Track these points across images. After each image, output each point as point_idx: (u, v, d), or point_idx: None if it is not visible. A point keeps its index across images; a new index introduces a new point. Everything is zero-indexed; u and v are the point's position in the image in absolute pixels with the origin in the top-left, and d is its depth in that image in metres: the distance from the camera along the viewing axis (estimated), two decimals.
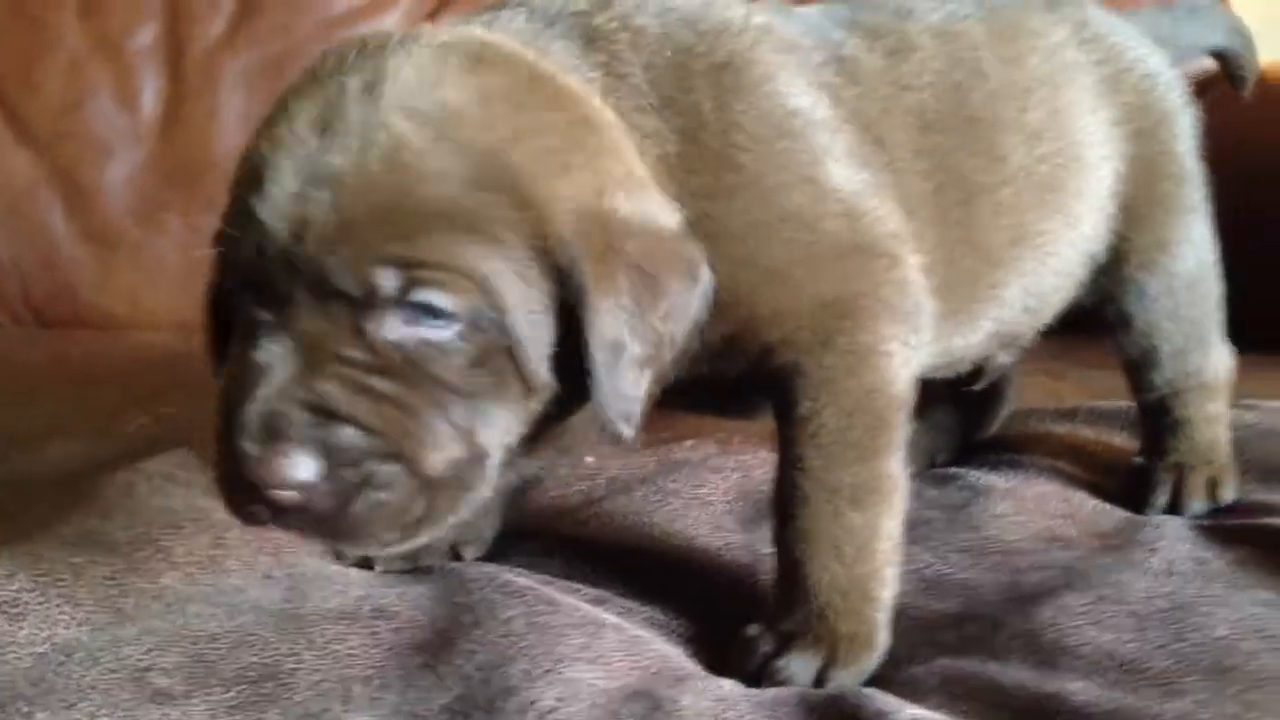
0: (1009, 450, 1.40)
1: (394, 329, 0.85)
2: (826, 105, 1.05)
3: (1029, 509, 1.23)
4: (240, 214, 0.86)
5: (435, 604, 1.02)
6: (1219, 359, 1.34)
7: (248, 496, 0.85)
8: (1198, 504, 1.26)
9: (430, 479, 0.87)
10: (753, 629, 1.00)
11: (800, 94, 1.04)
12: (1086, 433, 1.45)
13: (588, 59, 0.99)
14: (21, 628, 0.95)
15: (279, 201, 0.84)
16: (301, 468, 0.83)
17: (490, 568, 1.10)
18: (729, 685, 0.93)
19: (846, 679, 0.97)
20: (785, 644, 0.98)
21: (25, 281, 2.39)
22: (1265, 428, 1.38)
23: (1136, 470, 1.32)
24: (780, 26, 1.08)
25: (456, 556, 1.14)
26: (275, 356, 0.85)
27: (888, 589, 1.01)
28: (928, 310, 1.06)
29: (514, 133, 0.88)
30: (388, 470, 0.85)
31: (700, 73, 1.00)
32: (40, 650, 0.93)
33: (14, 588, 1.00)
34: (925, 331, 1.06)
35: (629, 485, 1.29)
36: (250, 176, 0.87)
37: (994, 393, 1.42)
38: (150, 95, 2.45)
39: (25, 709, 0.86)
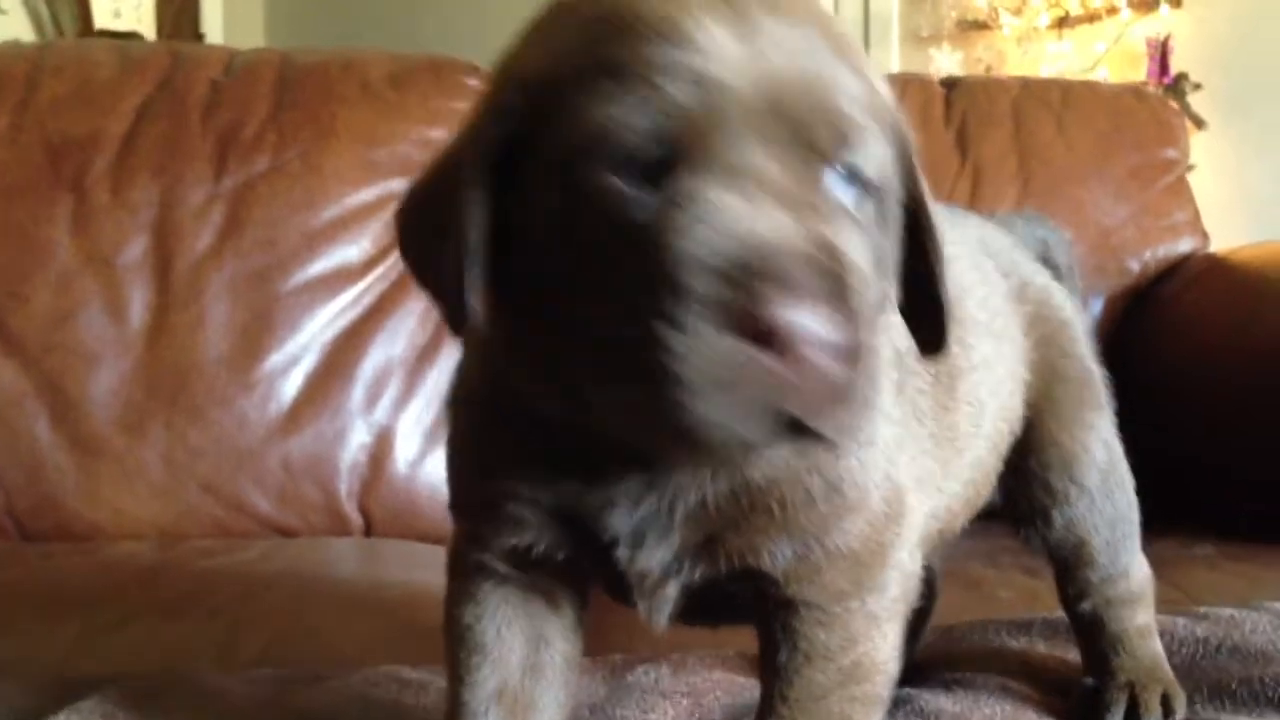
0: (963, 668, 1.39)
1: (839, 192, 0.80)
2: None
3: None
4: (661, 70, 0.76)
5: None
6: (1141, 565, 1.34)
7: (752, 368, 0.71)
8: None
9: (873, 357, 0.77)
10: None
11: None
12: (1041, 648, 1.44)
13: None
14: None
15: (736, 56, 0.77)
16: (836, 321, 0.72)
17: None
18: None
19: None
20: None
21: (9, 493, 2.40)
22: (1216, 642, 1.37)
23: (1089, 691, 1.31)
24: None
25: None
26: (762, 206, 0.74)
27: None
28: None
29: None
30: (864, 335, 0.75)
31: None
32: None
33: None
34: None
35: (578, 712, 1.28)
36: (671, 32, 0.77)
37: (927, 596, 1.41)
38: (138, 307, 2.50)
39: None
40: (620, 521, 0.93)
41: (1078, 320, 1.34)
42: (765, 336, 0.70)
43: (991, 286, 1.24)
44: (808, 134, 0.77)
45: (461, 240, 0.82)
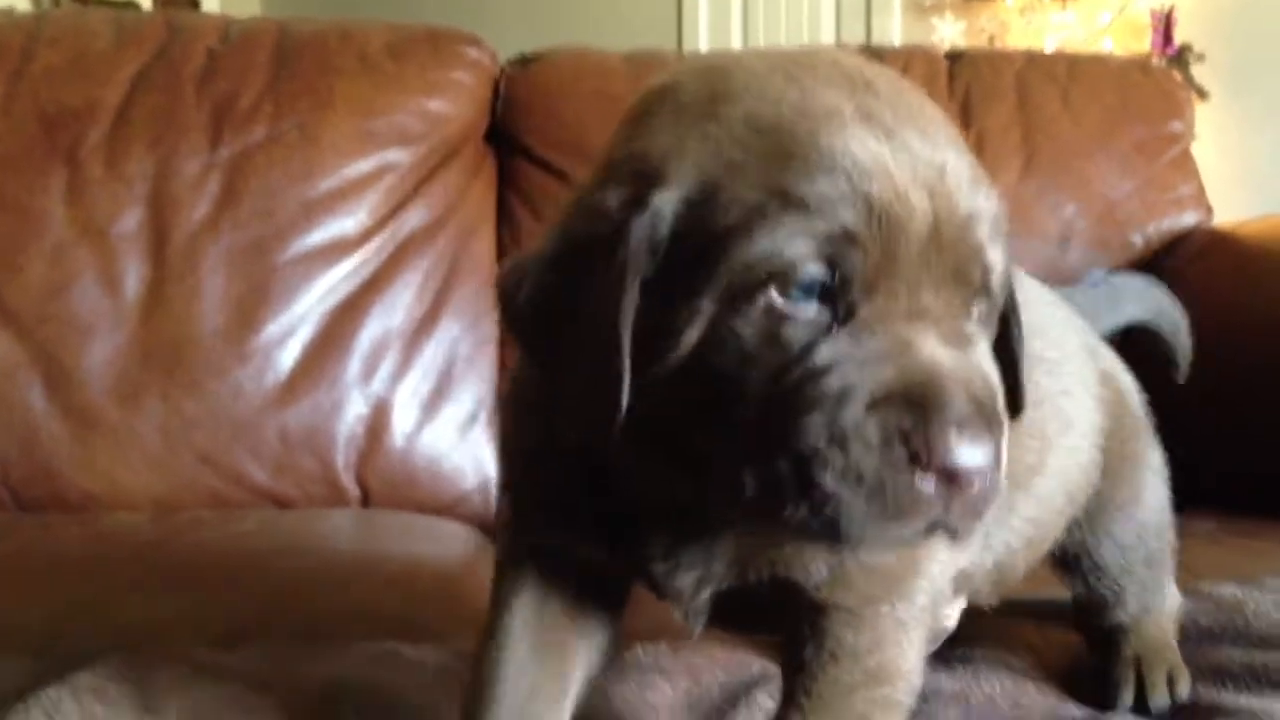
0: (964, 644, 1.38)
1: (977, 311, 0.86)
2: None
3: (975, 715, 1.20)
4: (834, 201, 0.79)
5: None
6: (1173, 596, 1.37)
7: (924, 487, 0.77)
8: (1160, 699, 1.26)
9: None
10: None
11: None
12: (1043, 625, 1.44)
13: None
14: None
15: (900, 181, 0.81)
16: (989, 449, 0.78)
17: None
18: None
19: None
20: None
21: (4, 463, 2.38)
22: (1219, 630, 1.38)
23: (1096, 668, 1.32)
24: None
25: None
26: (928, 338, 0.81)
27: None
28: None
29: None
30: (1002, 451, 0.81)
31: None
32: None
33: None
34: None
35: None
36: (839, 156, 0.80)
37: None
38: (133, 278, 2.48)
39: None
40: (658, 547, 0.96)
41: (1135, 390, 1.37)
42: (935, 468, 0.77)
43: (1067, 331, 1.27)
44: (962, 267, 0.83)
45: (615, 342, 0.82)
